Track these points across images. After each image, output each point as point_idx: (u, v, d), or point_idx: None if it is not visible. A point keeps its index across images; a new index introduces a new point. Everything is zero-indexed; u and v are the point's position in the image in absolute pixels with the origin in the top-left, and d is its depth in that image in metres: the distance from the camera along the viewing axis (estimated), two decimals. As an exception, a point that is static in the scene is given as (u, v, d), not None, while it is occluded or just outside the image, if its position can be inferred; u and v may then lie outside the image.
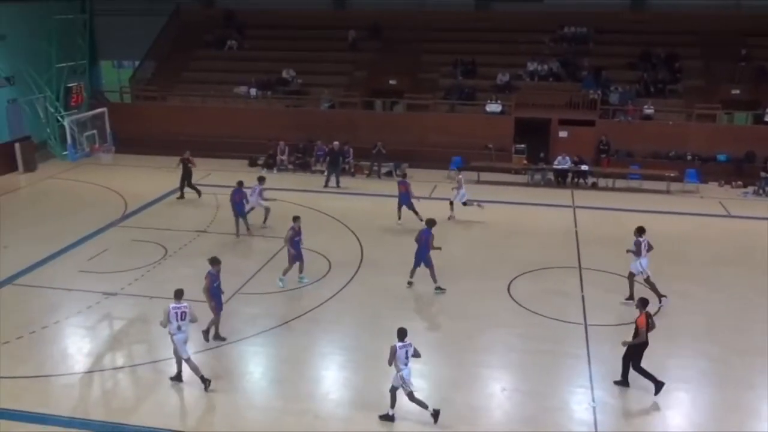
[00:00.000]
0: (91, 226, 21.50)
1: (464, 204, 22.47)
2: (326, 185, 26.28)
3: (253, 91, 31.92)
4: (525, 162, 27.84)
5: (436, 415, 11.96)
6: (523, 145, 28.29)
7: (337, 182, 26.40)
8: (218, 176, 26.86)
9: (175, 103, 32.67)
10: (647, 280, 16.40)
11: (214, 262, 14.58)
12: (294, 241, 17.15)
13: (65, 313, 15.96)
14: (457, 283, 17.70)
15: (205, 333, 14.61)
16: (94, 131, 30.57)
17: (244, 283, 17.54)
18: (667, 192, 26.11)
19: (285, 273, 17.37)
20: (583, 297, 16.97)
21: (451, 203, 22.64)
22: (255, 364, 14.20)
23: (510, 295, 17.03)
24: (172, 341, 12.87)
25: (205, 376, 12.93)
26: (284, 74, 32.64)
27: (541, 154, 27.59)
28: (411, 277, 17.43)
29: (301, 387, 13.18)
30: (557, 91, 29.92)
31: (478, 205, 22.46)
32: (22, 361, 13.94)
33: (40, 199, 25.52)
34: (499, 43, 33.01)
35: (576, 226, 22.33)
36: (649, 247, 16.34)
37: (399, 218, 22.01)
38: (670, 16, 32.05)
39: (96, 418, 12.16)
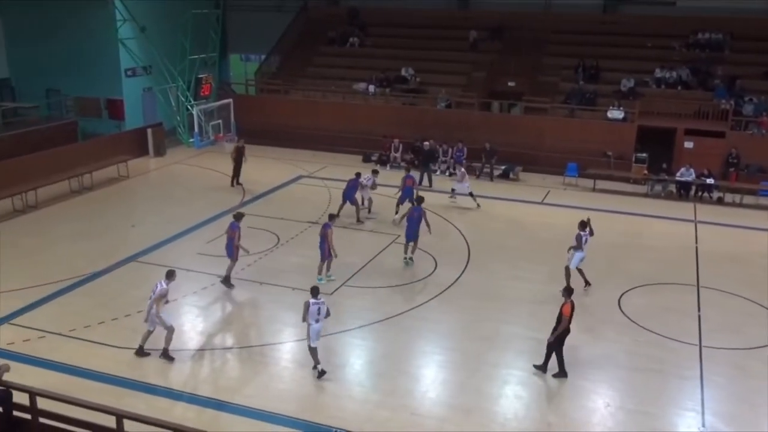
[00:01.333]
0: (212, 211, 22.51)
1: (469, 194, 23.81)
2: (419, 183, 26.26)
3: (371, 88, 32.38)
4: (645, 172, 26.71)
5: (321, 373, 13.14)
6: (644, 154, 27.18)
7: (429, 182, 26.41)
8: (332, 170, 27.48)
9: (296, 97, 33.61)
10: (566, 269, 17.00)
11: (239, 217, 17.18)
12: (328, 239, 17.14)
13: (182, 292, 16.77)
14: (565, 292, 17.28)
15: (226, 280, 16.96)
16: (220, 121, 32.12)
17: (350, 275, 17.85)
18: (802, 212, 24.34)
19: (328, 269, 17.48)
20: (699, 317, 16.13)
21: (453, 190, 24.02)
22: (356, 357, 14.42)
23: (620, 309, 16.43)
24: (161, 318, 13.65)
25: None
26: (403, 72, 32.91)
27: (664, 165, 26.35)
28: (406, 253, 18.81)
29: (399, 383, 13.27)
30: (686, 99, 28.55)
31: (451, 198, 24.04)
32: (141, 333, 14.75)
33: (167, 182, 26.99)
34: (626, 47, 31.83)
35: (697, 242, 21.22)
36: (587, 239, 17.16)
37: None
38: (817, 24, 29.89)
39: (203, 394, 12.74)
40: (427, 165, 26.89)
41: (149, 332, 13.80)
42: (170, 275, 13.85)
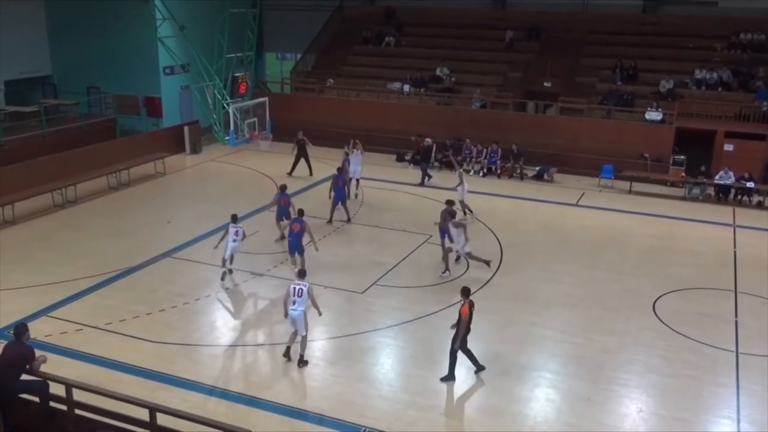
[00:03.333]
0: (245, 209, 22.60)
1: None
2: (422, 183, 26.37)
3: (406, 87, 32.35)
4: (683, 175, 26.28)
5: (227, 273, 17.04)
6: (682, 157, 26.73)
7: (428, 177, 26.50)
8: (366, 169, 27.38)
9: (331, 95, 33.75)
10: (470, 255, 18.05)
11: (285, 188, 19.79)
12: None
13: (215, 288, 17.01)
14: (599, 296, 17.09)
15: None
16: (255, 119, 32.37)
17: (381, 275, 17.87)
18: None
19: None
20: (736, 323, 15.82)
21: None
22: (386, 356, 14.41)
23: (655, 313, 16.18)
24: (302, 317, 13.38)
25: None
26: (438, 72, 32.82)
27: (702, 168, 25.88)
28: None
29: (429, 383, 13.23)
30: (726, 101, 28.00)
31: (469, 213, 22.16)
32: (174, 328, 15.02)
33: (202, 179, 27.33)
34: (666, 48, 31.37)
35: (735, 246, 20.81)
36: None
37: None
38: None
39: (234, 390, 12.86)
40: (426, 162, 26.93)
41: (303, 337, 13.63)
42: (302, 275, 13.84)
